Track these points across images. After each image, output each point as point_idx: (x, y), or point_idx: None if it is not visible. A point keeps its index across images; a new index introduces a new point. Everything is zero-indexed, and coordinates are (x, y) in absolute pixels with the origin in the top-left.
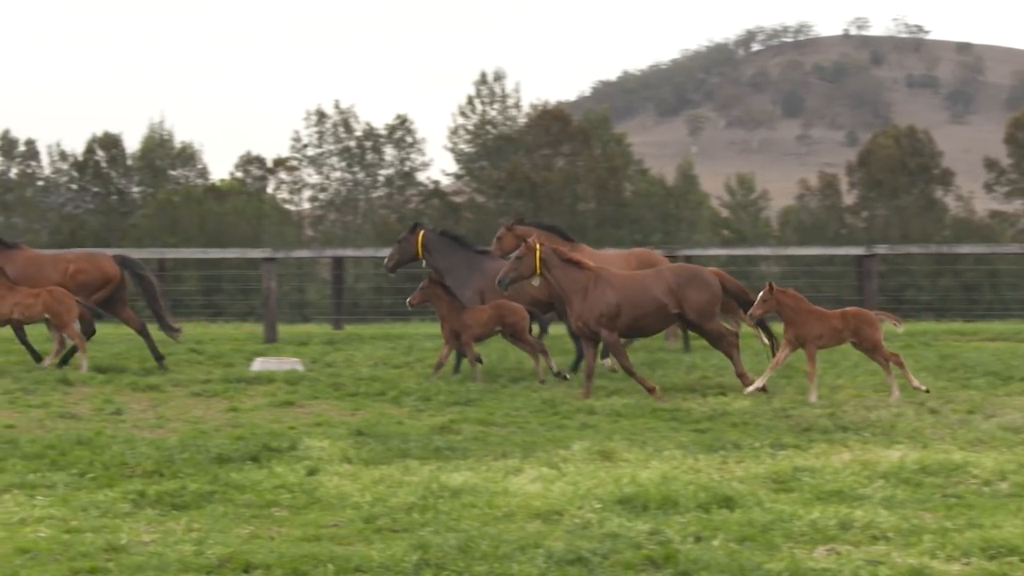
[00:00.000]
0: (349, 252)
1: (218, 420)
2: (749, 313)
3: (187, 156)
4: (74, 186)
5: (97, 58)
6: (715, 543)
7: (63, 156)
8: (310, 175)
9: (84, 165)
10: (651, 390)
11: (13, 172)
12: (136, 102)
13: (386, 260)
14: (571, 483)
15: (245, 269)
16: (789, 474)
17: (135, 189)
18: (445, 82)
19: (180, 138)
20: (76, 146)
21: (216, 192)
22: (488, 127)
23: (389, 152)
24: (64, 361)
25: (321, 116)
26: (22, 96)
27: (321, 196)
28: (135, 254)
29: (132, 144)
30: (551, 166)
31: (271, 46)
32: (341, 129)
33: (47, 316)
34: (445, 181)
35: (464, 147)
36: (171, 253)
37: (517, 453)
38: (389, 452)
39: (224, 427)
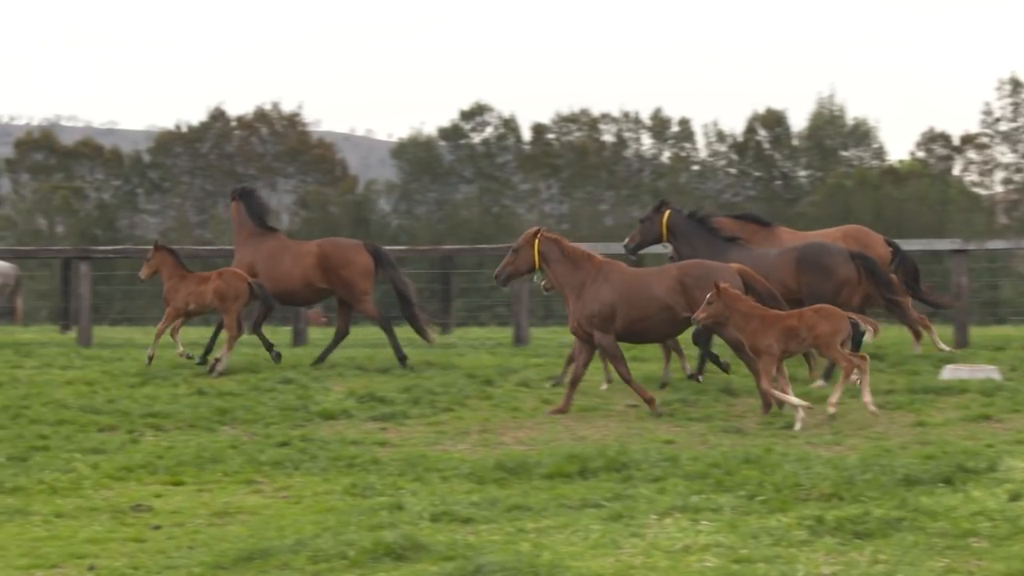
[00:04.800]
0: None
1: (903, 436)
2: (693, 317)
3: (861, 134)
4: (733, 170)
5: (756, 29)
6: None
7: (721, 137)
8: (1003, 153)
9: (744, 146)
10: (649, 401)
11: (666, 156)
12: (802, 74)
13: (626, 241)
14: None
15: (929, 263)
16: None
17: (802, 173)
18: None
19: (852, 114)
20: (735, 125)
21: (894, 175)
22: None
23: None
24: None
25: (1016, 85)
26: (676, 72)
27: (1016, 178)
28: None
29: (798, 122)
30: None
31: (956, 5)
32: None
33: (216, 302)
34: None
35: None
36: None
37: None
38: None
39: (911, 444)
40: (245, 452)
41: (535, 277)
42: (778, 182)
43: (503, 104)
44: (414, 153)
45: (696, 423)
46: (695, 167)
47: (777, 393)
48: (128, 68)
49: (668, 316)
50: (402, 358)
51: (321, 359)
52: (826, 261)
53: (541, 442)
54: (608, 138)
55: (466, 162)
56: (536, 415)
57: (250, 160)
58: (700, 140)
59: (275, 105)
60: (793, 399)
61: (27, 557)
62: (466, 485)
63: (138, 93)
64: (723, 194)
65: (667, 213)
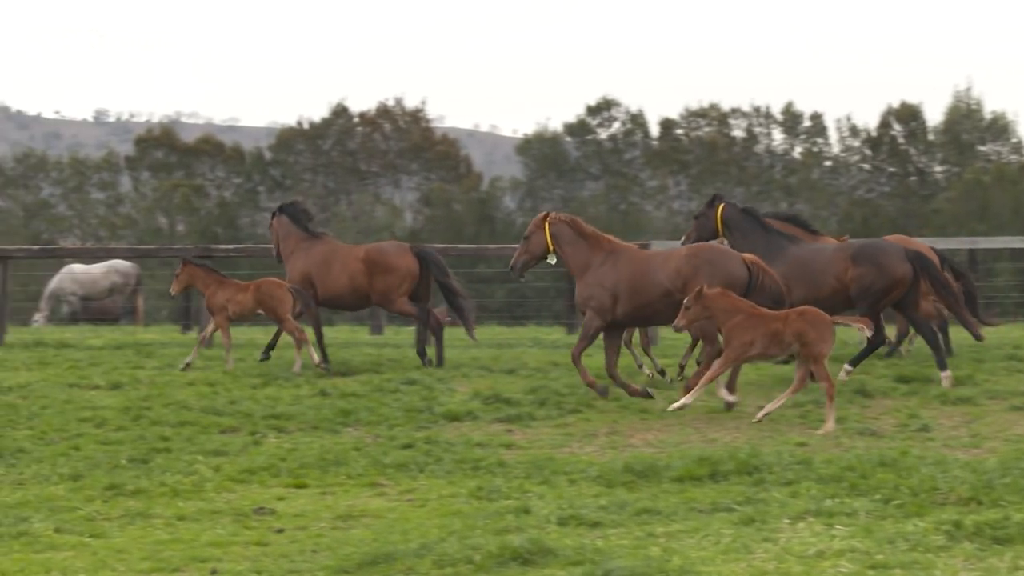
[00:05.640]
0: None
1: None
2: (672, 326)
3: (999, 128)
4: (866, 166)
5: (889, 21)
6: None
7: (854, 132)
8: None
9: (878, 142)
10: (591, 384)
11: (797, 151)
12: (938, 67)
13: (683, 239)
14: None
15: None
16: None
17: (937, 168)
18: None
19: (990, 107)
20: (869, 120)
21: None
22: None
23: None
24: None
25: None
26: (808, 65)
27: None
28: (940, 244)
29: (934, 116)
30: None
31: None
32: None
33: (260, 311)
34: None
35: None
36: (983, 243)
37: None
38: None
39: None
40: (369, 454)
41: (550, 260)
42: (913, 178)
43: (630, 99)
44: (539, 149)
45: None
46: (827, 163)
47: (692, 391)
48: (250, 64)
49: (671, 301)
50: (421, 353)
51: (440, 361)
52: (882, 259)
53: (670, 444)
54: (738, 133)
55: (593, 158)
56: (665, 417)
57: (373, 157)
58: (833, 135)
59: (398, 101)
60: (686, 400)
61: (149, 560)
62: (594, 488)
63: (260, 89)
64: (856, 190)
65: (721, 207)
